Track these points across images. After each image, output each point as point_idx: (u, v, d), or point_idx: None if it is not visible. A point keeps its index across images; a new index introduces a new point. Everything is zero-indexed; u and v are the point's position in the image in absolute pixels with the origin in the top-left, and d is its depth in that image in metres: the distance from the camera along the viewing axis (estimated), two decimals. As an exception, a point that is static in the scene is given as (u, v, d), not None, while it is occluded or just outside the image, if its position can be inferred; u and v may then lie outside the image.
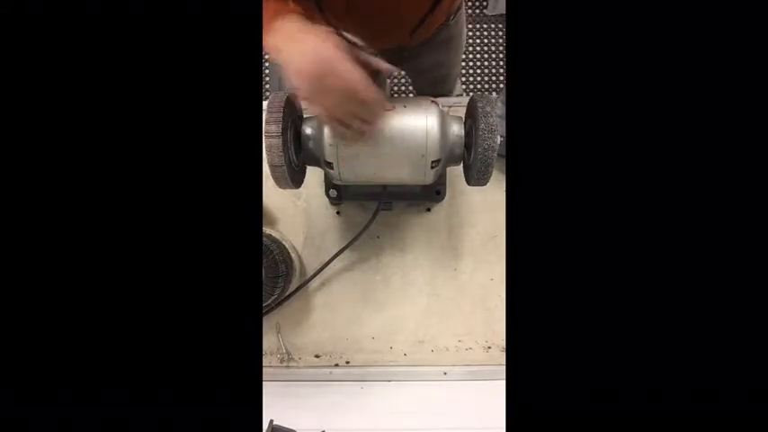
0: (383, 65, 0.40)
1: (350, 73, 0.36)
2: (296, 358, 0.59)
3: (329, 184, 0.53)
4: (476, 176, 0.42)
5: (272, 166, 0.40)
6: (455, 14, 0.64)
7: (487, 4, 1.45)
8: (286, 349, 0.59)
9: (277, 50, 0.37)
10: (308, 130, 0.42)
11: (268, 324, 0.58)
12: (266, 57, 1.34)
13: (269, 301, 0.54)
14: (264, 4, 0.39)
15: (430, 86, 0.75)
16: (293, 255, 0.58)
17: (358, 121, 0.38)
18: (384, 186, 0.51)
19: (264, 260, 0.52)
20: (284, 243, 0.57)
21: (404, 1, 0.53)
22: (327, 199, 0.55)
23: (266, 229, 0.58)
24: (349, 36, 0.50)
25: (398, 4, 0.53)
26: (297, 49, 0.36)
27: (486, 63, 1.48)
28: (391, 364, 0.59)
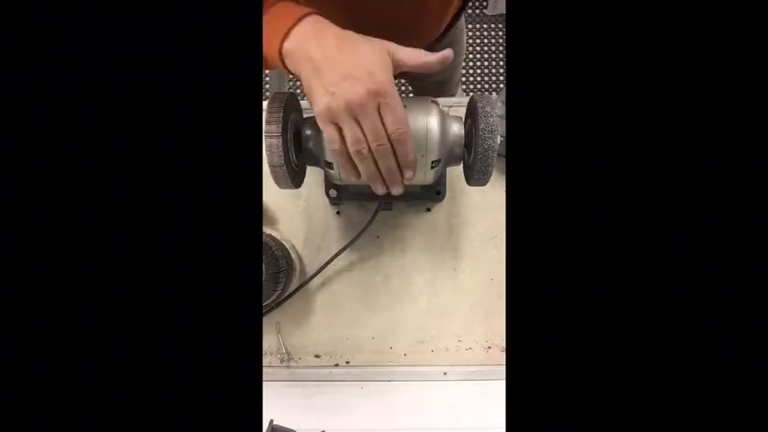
0: (433, 58, 0.33)
1: (401, 121, 0.30)
2: (296, 358, 0.59)
3: (329, 184, 0.53)
4: (476, 176, 0.42)
5: (272, 166, 0.40)
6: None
7: (487, 4, 1.45)
8: (286, 349, 0.59)
9: (307, 60, 0.31)
10: (308, 131, 0.42)
11: (268, 324, 0.58)
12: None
13: (269, 301, 0.54)
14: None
15: (430, 91, 0.75)
16: (293, 254, 0.58)
17: (381, 179, 0.33)
18: (384, 186, 0.51)
19: (264, 257, 0.52)
20: (284, 243, 0.57)
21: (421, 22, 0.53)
22: (327, 199, 0.55)
23: (266, 229, 0.58)
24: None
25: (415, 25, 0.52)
26: (342, 67, 0.30)
27: (486, 63, 1.48)
28: (391, 364, 0.59)
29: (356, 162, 0.32)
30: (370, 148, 0.31)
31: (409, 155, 0.33)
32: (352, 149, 0.31)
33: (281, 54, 0.32)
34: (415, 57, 0.32)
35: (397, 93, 0.30)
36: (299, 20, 0.31)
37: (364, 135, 0.30)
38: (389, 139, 0.31)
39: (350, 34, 0.32)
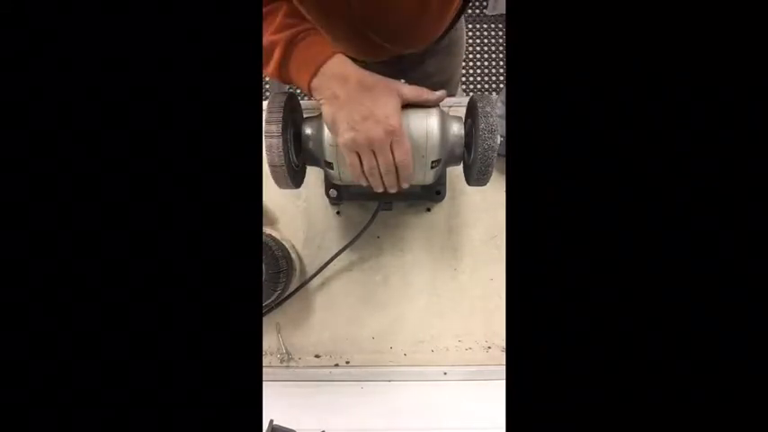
0: (433, 96, 0.40)
1: (407, 153, 0.38)
2: (296, 358, 0.59)
3: (329, 184, 0.53)
4: (476, 176, 0.42)
5: (272, 166, 0.40)
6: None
7: (487, 4, 1.45)
8: (286, 349, 0.59)
9: (333, 97, 0.37)
10: (308, 130, 0.42)
11: (268, 324, 0.58)
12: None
13: (269, 301, 0.54)
14: (269, 18, 0.40)
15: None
16: (293, 254, 0.58)
17: (381, 183, 0.40)
18: (384, 186, 0.51)
19: (264, 257, 0.52)
20: (284, 243, 0.57)
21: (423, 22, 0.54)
22: (327, 199, 0.55)
23: (266, 229, 0.58)
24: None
25: (417, 24, 0.54)
26: (364, 108, 0.36)
27: (486, 63, 1.48)
28: (391, 364, 0.59)
29: (367, 178, 0.40)
30: (380, 171, 0.39)
31: (409, 175, 0.40)
32: (367, 172, 0.39)
33: (309, 87, 0.39)
34: (416, 94, 0.39)
35: (404, 130, 0.38)
36: (326, 60, 0.38)
37: (377, 163, 0.38)
38: (395, 165, 0.38)
39: (368, 76, 0.38)
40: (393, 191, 0.42)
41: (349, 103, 0.37)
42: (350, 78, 0.38)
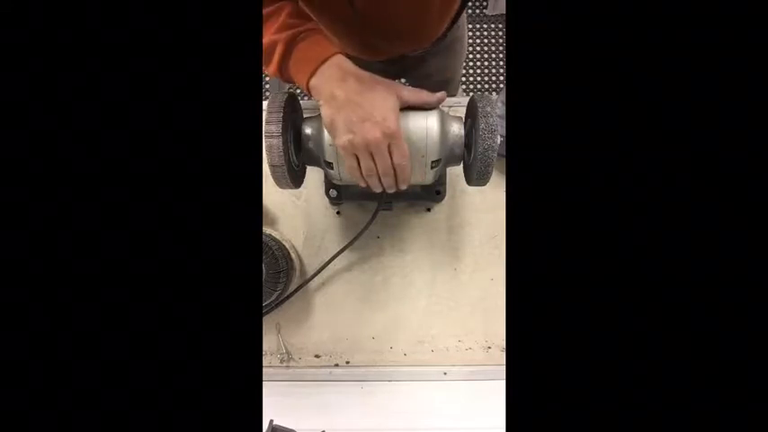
0: (432, 98, 0.40)
1: (404, 155, 0.38)
2: (296, 358, 0.59)
3: (329, 184, 0.53)
4: (476, 176, 0.42)
5: (272, 166, 0.40)
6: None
7: (487, 4, 1.45)
8: (286, 349, 0.59)
9: (331, 97, 0.37)
10: (307, 130, 0.42)
11: (268, 324, 0.58)
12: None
13: (269, 301, 0.54)
14: (270, 18, 0.40)
15: (431, 92, 0.76)
16: (293, 254, 0.58)
17: (379, 184, 0.40)
18: (384, 186, 0.51)
19: (264, 257, 0.52)
20: (284, 243, 0.57)
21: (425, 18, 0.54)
22: (327, 199, 0.55)
23: (266, 229, 0.58)
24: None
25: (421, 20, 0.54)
26: (362, 110, 0.36)
27: (486, 63, 1.48)
28: (391, 364, 0.59)
29: (365, 179, 0.40)
30: (378, 173, 0.39)
31: (407, 177, 0.40)
32: (365, 174, 0.39)
33: (308, 87, 0.39)
34: (416, 96, 0.39)
35: (402, 133, 0.38)
36: (326, 60, 0.38)
37: (375, 165, 0.38)
38: (393, 167, 0.38)
39: (367, 77, 0.38)
40: (391, 191, 0.42)
41: (347, 105, 0.37)
42: (349, 79, 0.38)
